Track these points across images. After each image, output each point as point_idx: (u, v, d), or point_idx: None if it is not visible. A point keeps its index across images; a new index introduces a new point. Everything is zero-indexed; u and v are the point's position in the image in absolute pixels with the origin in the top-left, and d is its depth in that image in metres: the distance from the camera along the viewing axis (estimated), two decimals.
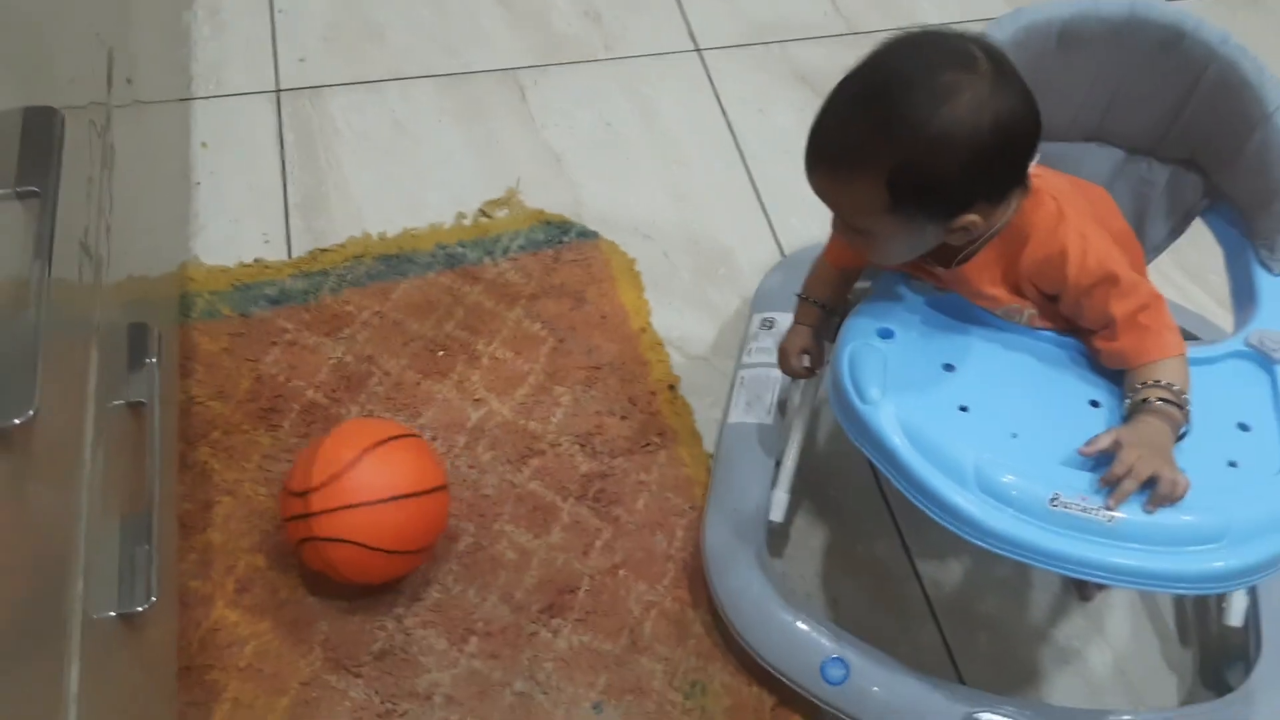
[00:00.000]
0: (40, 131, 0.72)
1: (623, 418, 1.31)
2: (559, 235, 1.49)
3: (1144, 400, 0.89)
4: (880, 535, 1.26)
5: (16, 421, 0.60)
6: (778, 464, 1.16)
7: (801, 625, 1.08)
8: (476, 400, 1.30)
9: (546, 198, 1.54)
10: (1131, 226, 1.11)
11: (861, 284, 1.08)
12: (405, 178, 1.55)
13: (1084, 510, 0.85)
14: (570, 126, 1.65)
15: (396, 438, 1.11)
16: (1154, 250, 1.18)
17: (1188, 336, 0.98)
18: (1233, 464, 0.91)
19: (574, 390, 1.33)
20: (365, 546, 1.06)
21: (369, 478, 1.07)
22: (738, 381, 1.30)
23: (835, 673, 1.04)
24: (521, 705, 1.10)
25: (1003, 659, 1.19)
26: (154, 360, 0.95)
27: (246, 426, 1.25)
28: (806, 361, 1.10)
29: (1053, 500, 0.86)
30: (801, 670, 1.06)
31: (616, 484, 1.25)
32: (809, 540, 1.25)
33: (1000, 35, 1.06)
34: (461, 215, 1.51)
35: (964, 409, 0.92)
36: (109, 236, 0.94)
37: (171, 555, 1.10)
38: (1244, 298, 1.06)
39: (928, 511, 0.88)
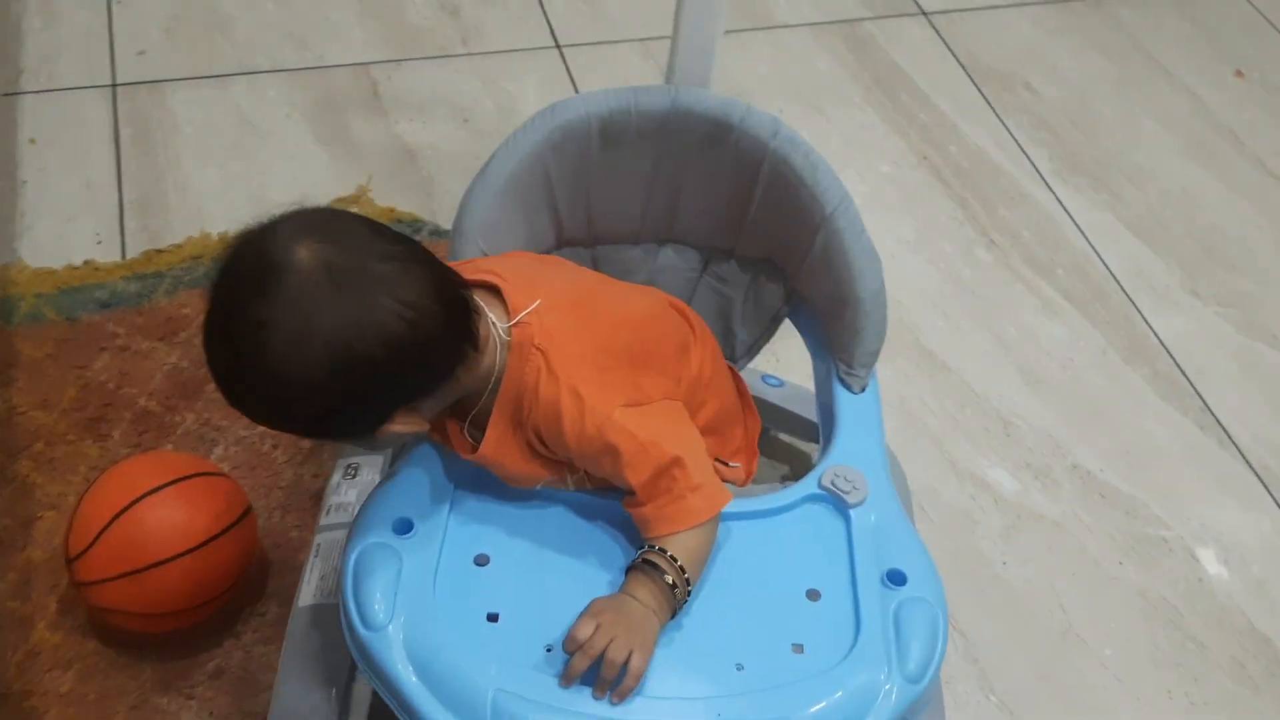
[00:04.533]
0: None
1: None
2: (410, 234, 1.45)
3: (642, 561, 0.76)
4: None
5: None
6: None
7: None
8: None
9: (398, 196, 1.50)
10: (716, 331, 1.01)
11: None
12: (250, 175, 1.49)
13: None
14: (425, 122, 1.61)
15: (167, 484, 1.00)
16: (745, 355, 1.08)
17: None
18: (798, 648, 0.76)
19: None
20: (141, 614, 1.00)
21: (130, 542, 0.97)
22: (314, 550, 1.02)
23: None
24: None
25: None
26: None
27: (72, 437, 1.18)
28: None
29: None
30: None
31: None
32: None
33: (533, 138, 0.93)
34: None
35: (493, 617, 0.76)
36: None
37: None
38: (826, 420, 0.93)
39: None
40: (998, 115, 1.77)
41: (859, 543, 0.82)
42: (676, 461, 0.77)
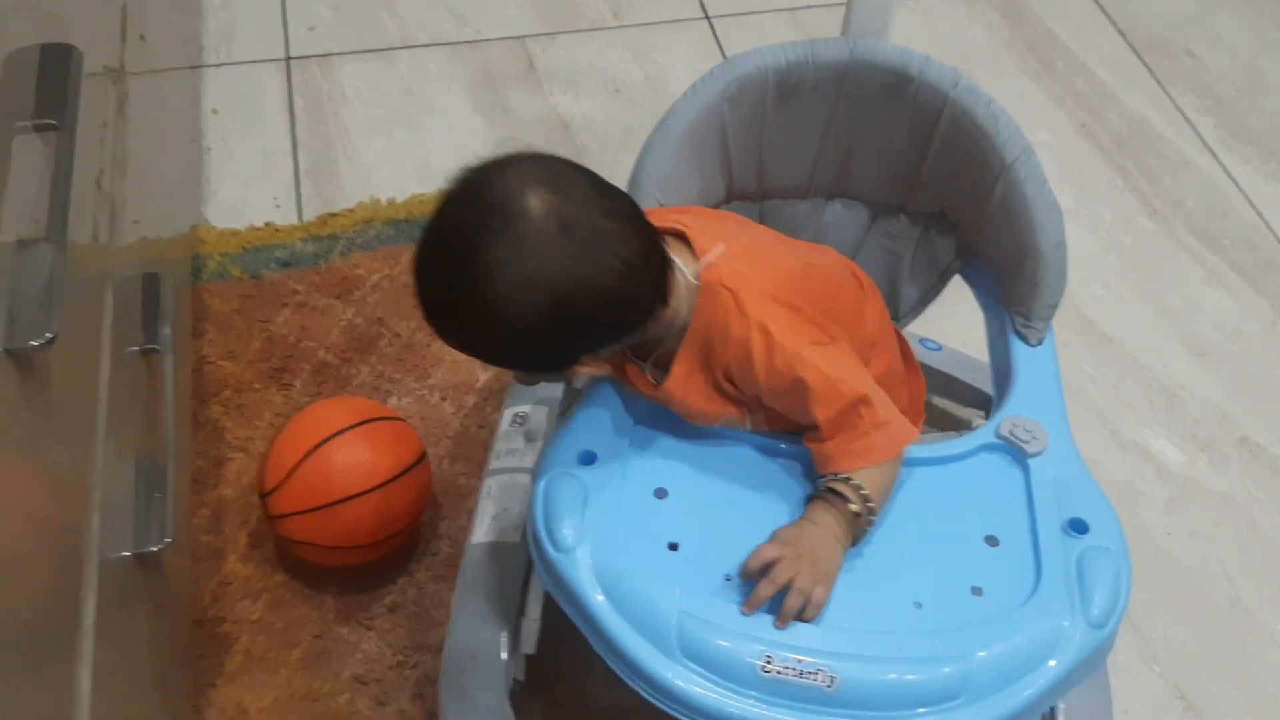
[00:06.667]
0: (57, 67, 0.72)
1: None
2: None
3: (826, 490, 0.77)
4: None
5: (34, 344, 0.60)
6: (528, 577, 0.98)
7: None
8: None
9: None
10: (883, 289, 1.01)
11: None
12: (414, 144, 1.55)
13: (799, 675, 0.71)
14: (578, 93, 1.65)
15: (353, 426, 1.06)
16: (910, 313, 1.06)
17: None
18: (977, 591, 0.77)
19: None
20: (327, 547, 1.06)
21: (319, 479, 1.03)
22: (484, 492, 1.07)
23: None
24: None
25: None
26: (167, 308, 0.95)
27: (258, 385, 1.26)
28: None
29: (765, 665, 0.71)
30: None
31: None
32: (573, 677, 1.03)
33: (710, 91, 0.94)
34: None
35: (673, 546, 0.78)
36: (123, 185, 0.95)
37: (185, 506, 1.11)
38: (1001, 373, 0.92)
39: (631, 684, 0.75)
40: (1159, 82, 1.71)
41: (1039, 492, 0.81)
42: (863, 399, 0.77)
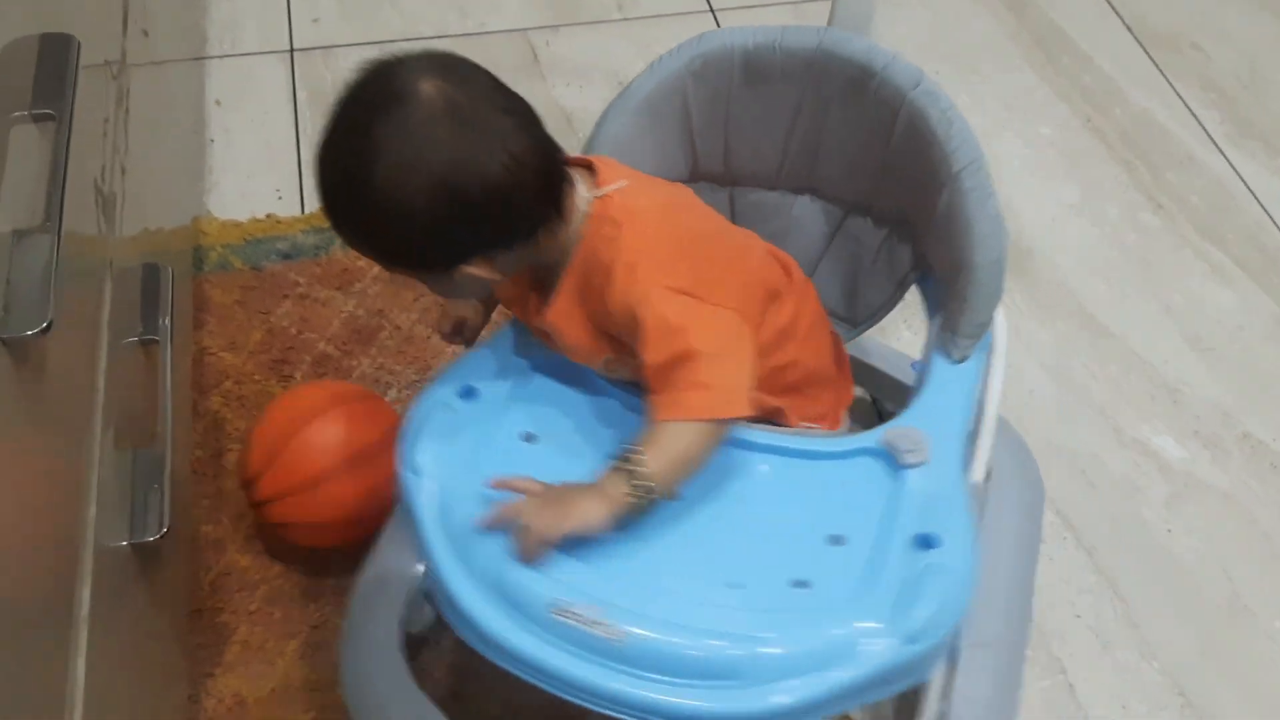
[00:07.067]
0: (56, 57, 0.72)
1: None
2: None
3: (621, 455, 0.76)
4: None
5: (31, 333, 0.60)
6: None
7: None
8: None
9: None
10: (844, 291, 1.00)
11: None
12: None
13: (588, 623, 0.71)
14: (581, 86, 1.64)
15: (332, 407, 1.07)
16: (869, 319, 1.04)
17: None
18: (802, 584, 0.74)
19: None
20: (316, 525, 1.06)
21: (302, 458, 1.04)
22: None
23: None
24: None
25: None
26: (166, 299, 0.95)
27: (259, 377, 1.26)
28: (452, 329, 0.94)
29: (555, 606, 0.72)
30: None
31: None
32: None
33: (674, 63, 0.93)
34: None
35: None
36: (124, 179, 0.95)
37: (184, 496, 1.11)
38: (918, 384, 0.90)
39: (445, 614, 0.77)
40: (1165, 78, 1.71)
41: (902, 503, 0.79)
42: (693, 354, 0.75)
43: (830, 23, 1.04)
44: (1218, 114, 1.66)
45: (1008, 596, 1.02)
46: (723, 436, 0.77)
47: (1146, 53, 1.74)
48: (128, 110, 1.00)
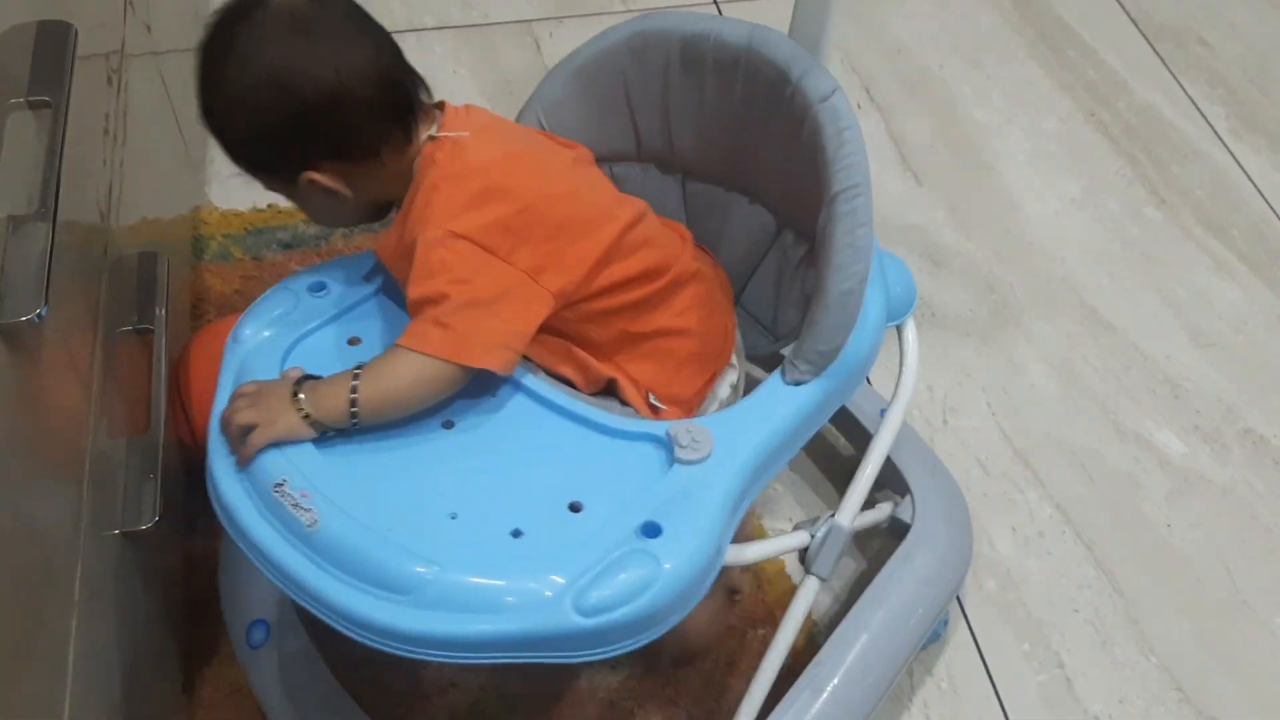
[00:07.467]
0: (54, 45, 0.73)
1: None
2: None
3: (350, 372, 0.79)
4: None
5: (25, 319, 0.61)
6: None
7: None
8: None
9: None
10: (769, 304, 0.98)
11: None
12: None
13: (292, 505, 0.74)
14: None
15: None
16: (786, 336, 0.98)
17: None
18: (517, 534, 0.75)
19: None
20: None
21: None
22: None
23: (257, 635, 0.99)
24: None
25: None
26: (163, 288, 0.95)
27: None
28: None
29: (278, 484, 0.75)
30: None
31: None
32: None
33: (615, 36, 0.92)
34: None
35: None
36: (121, 169, 0.95)
37: (178, 486, 1.11)
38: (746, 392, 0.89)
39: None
40: (1170, 72, 1.70)
41: (656, 492, 0.77)
42: (444, 296, 0.77)
43: (790, 28, 0.99)
44: (1222, 108, 1.65)
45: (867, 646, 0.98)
46: (450, 384, 0.79)
47: (1152, 46, 1.74)
48: (127, 99, 1.00)
